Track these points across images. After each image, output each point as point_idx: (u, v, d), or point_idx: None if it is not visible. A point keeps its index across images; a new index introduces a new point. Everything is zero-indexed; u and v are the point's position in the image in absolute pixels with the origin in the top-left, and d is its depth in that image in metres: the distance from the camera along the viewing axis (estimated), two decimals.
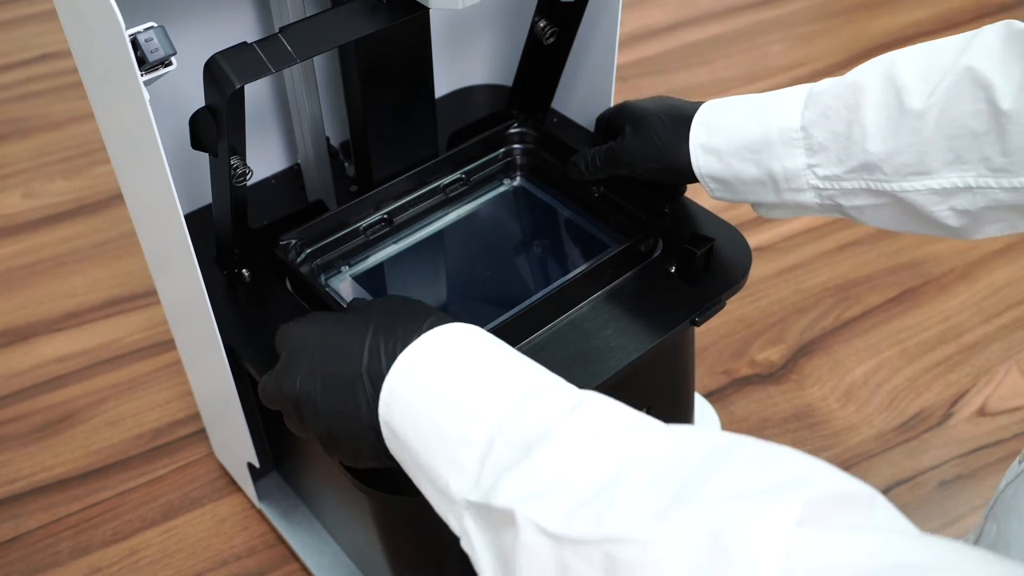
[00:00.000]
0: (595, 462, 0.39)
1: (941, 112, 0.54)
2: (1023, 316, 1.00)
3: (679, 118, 0.65)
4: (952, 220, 0.56)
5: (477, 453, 0.42)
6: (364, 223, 0.71)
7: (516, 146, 0.77)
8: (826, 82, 0.61)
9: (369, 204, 0.71)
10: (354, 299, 0.61)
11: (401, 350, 0.48)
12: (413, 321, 0.50)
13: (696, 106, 0.66)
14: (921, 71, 0.56)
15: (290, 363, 0.53)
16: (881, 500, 0.34)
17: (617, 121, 0.70)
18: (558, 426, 0.41)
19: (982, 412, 0.89)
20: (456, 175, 0.75)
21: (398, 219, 0.73)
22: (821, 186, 0.60)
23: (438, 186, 0.74)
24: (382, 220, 0.72)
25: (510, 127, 0.77)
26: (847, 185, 0.59)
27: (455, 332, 0.49)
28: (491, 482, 0.41)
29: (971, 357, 0.95)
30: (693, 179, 0.66)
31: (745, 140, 0.62)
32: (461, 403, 0.44)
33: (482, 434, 0.43)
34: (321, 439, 0.51)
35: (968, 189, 0.55)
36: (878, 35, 1.39)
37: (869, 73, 0.58)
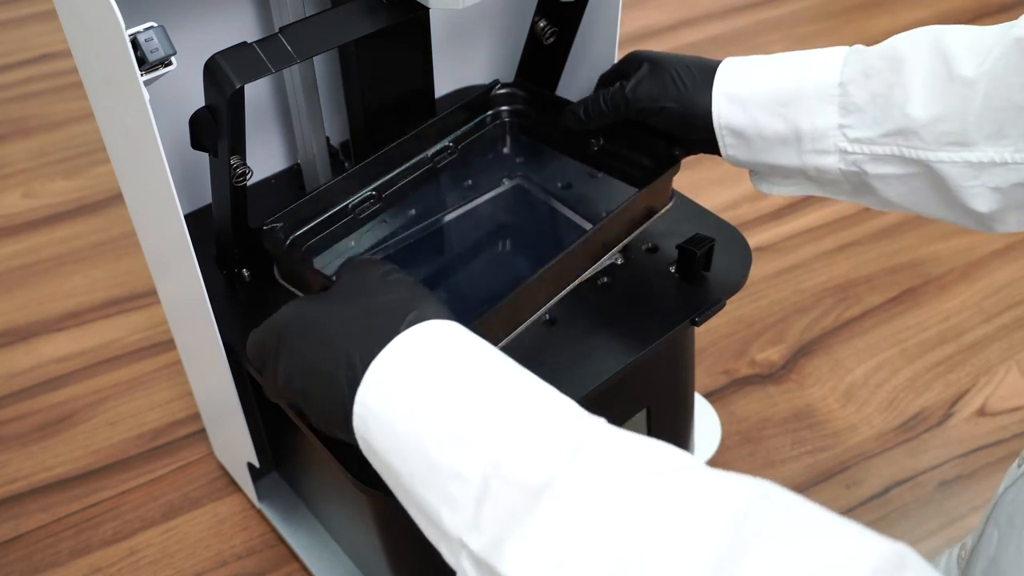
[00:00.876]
0: (610, 529, 0.35)
1: (991, 82, 0.52)
2: (1023, 316, 1.00)
3: (702, 66, 0.62)
4: (981, 200, 0.55)
5: (472, 492, 0.39)
6: (352, 201, 0.68)
7: (504, 108, 0.75)
8: (864, 47, 0.59)
9: (355, 181, 0.68)
10: (346, 262, 0.56)
11: (377, 352, 0.44)
12: (392, 315, 0.45)
13: (718, 61, 0.63)
14: (969, 42, 0.54)
15: (280, 352, 0.49)
16: (913, 558, 0.32)
17: (628, 67, 0.66)
18: (562, 474, 0.37)
19: (982, 412, 0.89)
20: (444, 143, 0.73)
21: (387, 194, 0.70)
22: (849, 149, 0.57)
23: (425, 156, 0.72)
24: (371, 198, 0.69)
25: (495, 88, 0.74)
26: (879, 150, 0.56)
27: (434, 333, 0.44)
28: (493, 534, 0.38)
29: (971, 357, 0.95)
30: (708, 133, 0.62)
31: (776, 91, 0.59)
32: (448, 427, 0.40)
33: (476, 470, 0.39)
34: (319, 432, 0.51)
35: (1004, 164, 0.53)
36: (878, 35, 1.38)
37: (913, 40, 0.56)
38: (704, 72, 0.62)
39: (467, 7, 0.57)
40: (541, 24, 0.72)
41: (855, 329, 0.98)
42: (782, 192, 0.64)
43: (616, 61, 0.75)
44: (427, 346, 0.44)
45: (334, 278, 0.53)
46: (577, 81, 0.79)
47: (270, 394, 0.52)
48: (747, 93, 0.60)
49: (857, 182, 0.59)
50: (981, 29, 0.55)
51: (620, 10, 0.72)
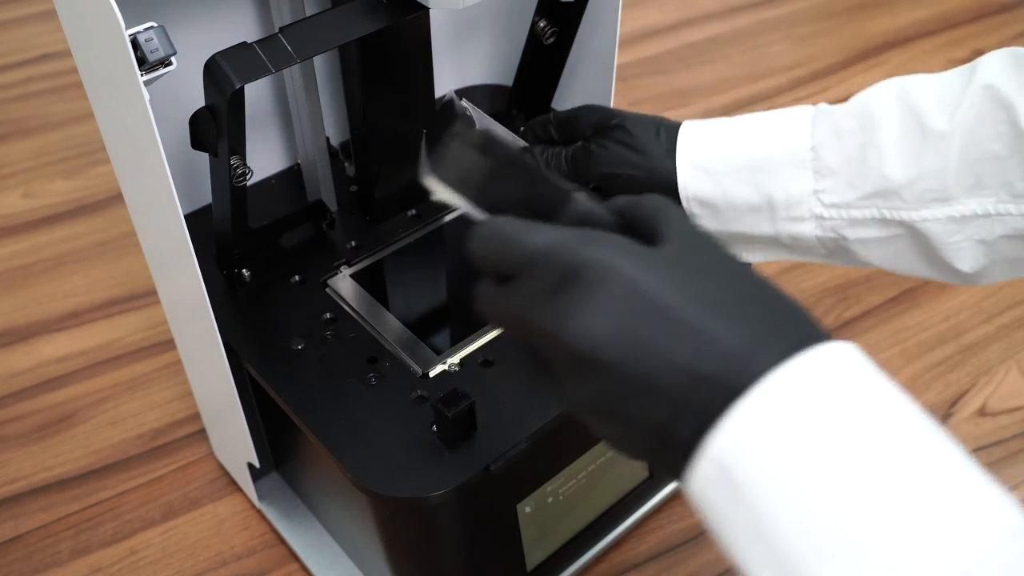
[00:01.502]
0: None
1: (965, 134, 0.51)
2: (1023, 316, 0.99)
3: (666, 127, 0.59)
4: (966, 256, 0.53)
5: None
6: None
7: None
8: (829, 106, 0.57)
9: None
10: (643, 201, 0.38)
11: (748, 385, 0.31)
12: (787, 321, 0.33)
13: (678, 123, 0.59)
14: (936, 93, 0.53)
15: (573, 301, 0.33)
16: None
17: (583, 122, 0.62)
18: None
19: (982, 412, 0.89)
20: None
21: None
22: (826, 215, 0.55)
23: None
24: None
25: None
26: (857, 214, 0.54)
27: (847, 360, 0.32)
28: None
29: (971, 357, 0.95)
30: (674, 199, 0.55)
31: (745, 159, 0.56)
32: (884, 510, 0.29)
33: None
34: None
35: (987, 216, 0.52)
36: (878, 35, 1.39)
37: (879, 97, 0.54)
38: (668, 135, 0.58)
39: (467, 7, 0.57)
40: (541, 24, 0.72)
41: (855, 329, 0.98)
42: (752, 259, 0.60)
43: (616, 60, 0.75)
44: (845, 377, 0.32)
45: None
46: (577, 81, 0.79)
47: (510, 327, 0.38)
48: (714, 162, 0.56)
49: (833, 247, 0.57)
50: (944, 76, 0.54)
51: (620, 10, 0.72)
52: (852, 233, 0.55)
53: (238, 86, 0.54)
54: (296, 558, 0.78)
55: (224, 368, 0.64)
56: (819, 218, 0.55)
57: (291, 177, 0.80)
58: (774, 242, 0.58)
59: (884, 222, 0.54)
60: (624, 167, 0.59)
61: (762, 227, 0.57)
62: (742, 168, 0.56)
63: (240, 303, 0.68)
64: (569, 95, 0.81)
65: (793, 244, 0.57)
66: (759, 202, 0.56)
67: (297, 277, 0.70)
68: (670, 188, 0.57)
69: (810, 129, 0.55)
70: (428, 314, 0.70)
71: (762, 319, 0.33)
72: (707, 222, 0.58)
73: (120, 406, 0.91)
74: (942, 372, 0.93)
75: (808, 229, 0.55)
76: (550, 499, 0.68)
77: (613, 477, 0.73)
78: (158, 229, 0.62)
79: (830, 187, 0.54)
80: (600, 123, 0.61)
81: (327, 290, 0.70)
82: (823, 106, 0.57)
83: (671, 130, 0.59)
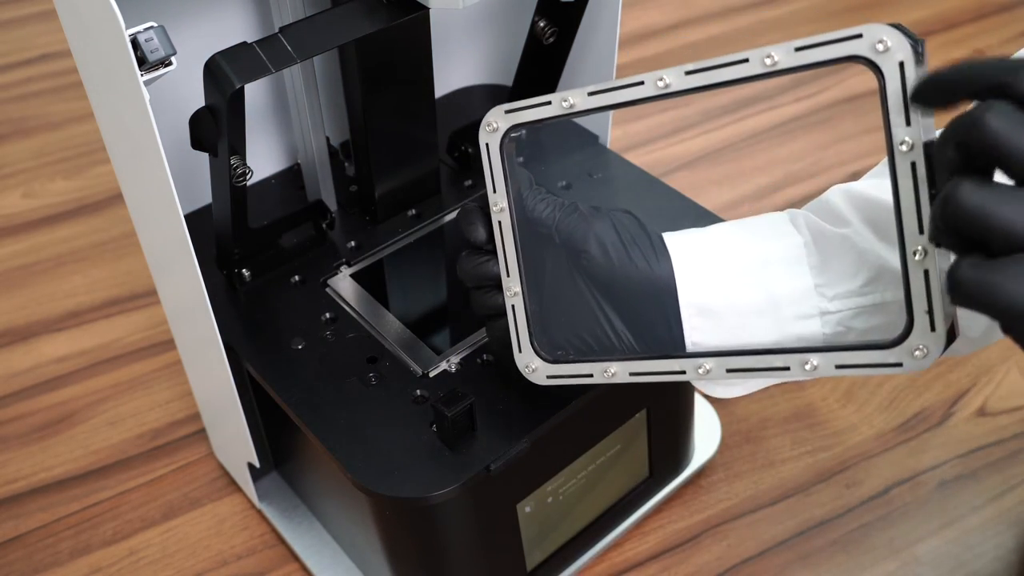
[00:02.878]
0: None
1: None
2: None
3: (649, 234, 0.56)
4: (972, 323, 0.52)
5: None
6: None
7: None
8: (795, 209, 0.57)
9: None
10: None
11: None
12: None
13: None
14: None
15: None
16: None
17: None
18: None
19: (982, 412, 0.89)
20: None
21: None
22: (832, 309, 0.53)
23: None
24: None
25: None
26: (864, 301, 0.52)
27: None
28: None
29: (971, 357, 0.95)
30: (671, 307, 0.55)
31: (743, 260, 0.54)
32: None
33: None
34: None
35: None
36: None
37: (832, 196, 0.54)
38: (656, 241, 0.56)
39: (467, 7, 0.58)
40: (541, 24, 0.72)
41: None
42: (739, 392, 0.60)
43: (616, 60, 0.75)
44: None
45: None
46: (577, 82, 0.79)
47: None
48: (713, 266, 0.54)
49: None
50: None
51: (620, 10, 0.72)
52: (860, 323, 0.52)
53: (238, 86, 0.54)
54: (296, 558, 0.78)
55: (224, 368, 0.64)
56: (825, 313, 0.53)
57: (291, 177, 0.80)
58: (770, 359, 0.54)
59: (889, 307, 0.52)
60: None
61: (767, 333, 0.54)
62: (742, 270, 0.54)
63: (240, 303, 0.68)
64: None
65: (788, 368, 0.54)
66: (763, 302, 0.53)
67: (297, 277, 0.70)
68: (670, 296, 0.55)
69: (793, 228, 0.55)
70: (428, 314, 0.70)
71: None
72: (707, 336, 0.55)
73: (120, 406, 0.91)
74: (942, 372, 0.93)
75: (815, 327, 0.53)
76: (550, 499, 0.68)
77: (613, 477, 0.73)
78: (158, 229, 0.62)
79: (831, 280, 0.53)
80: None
81: (327, 290, 0.70)
82: (791, 210, 0.57)
83: (656, 237, 0.56)
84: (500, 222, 0.54)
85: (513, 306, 0.55)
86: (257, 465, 0.73)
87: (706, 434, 0.84)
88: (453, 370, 0.63)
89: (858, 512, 0.81)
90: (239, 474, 0.80)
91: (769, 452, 0.86)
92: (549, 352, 0.55)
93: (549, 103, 0.51)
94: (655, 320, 0.54)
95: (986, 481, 0.83)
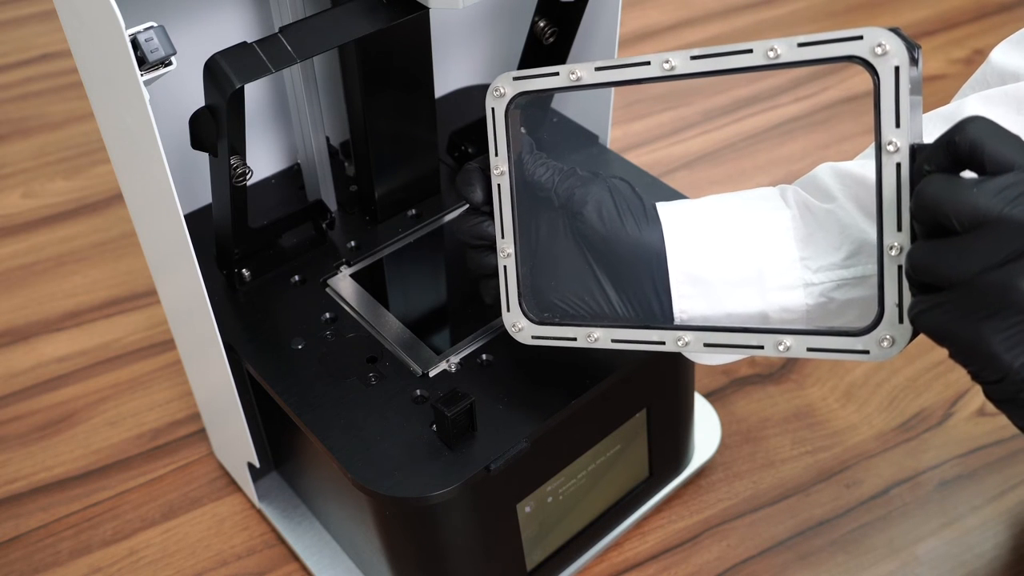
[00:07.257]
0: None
1: None
2: None
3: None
4: None
5: None
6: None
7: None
8: (786, 185, 0.58)
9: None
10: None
11: None
12: None
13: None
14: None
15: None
16: None
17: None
18: None
19: (982, 412, 0.89)
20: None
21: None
22: (815, 280, 0.54)
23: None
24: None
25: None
26: (846, 274, 0.53)
27: None
28: None
29: None
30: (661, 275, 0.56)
31: (732, 232, 0.55)
32: None
33: None
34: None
35: None
36: None
37: (819, 173, 0.56)
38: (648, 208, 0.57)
39: (467, 7, 0.58)
40: (541, 24, 0.72)
41: None
42: (719, 360, 0.61)
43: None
44: None
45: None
46: None
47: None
48: (704, 236, 0.56)
49: (819, 316, 0.55)
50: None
51: (620, 10, 0.72)
52: (841, 295, 0.54)
53: (238, 86, 0.54)
54: (296, 558, 0.78)
55: (224, 368, 0.64)
56: (809, 285, 0.54)
57: (291, 177, 0.80)
58: (763, 320, 0.56)
59: (869, 280, 0.53)
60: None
61: (752, 302, 0.55)
62: (731, 241, 0.55)
63: (240, 303, 0.68)
64: (569, 95, 0.81)
65: (780, 321, 0.56)
66: (750, 273, 0.55)
67: (297, 277, 0.70)
68: (659, 263, 0.56)
69: (782, 201, 0.56)
70: (428, 314, 0.70)
71: None
72: (694, 304, 0.56)
73: (120, 406, 0.91)
74: (942, 372, 0.93)
75: (798, 298, 0.55)
76: (550, 499, 0.68)
77: (613, 477, 0.73)
78: (158, 229, 0.62)
79: (815, 253, 0.54)
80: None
81: (327, 290, 0.70)
82: (782, 185, 0.58)
83: (649, 205, 0.57)
84: (499, 185, 0.56)
85: (505, 267, 0.57)
86: (257, 465, 0.73)
87: (706, 434, 0.84)
88: (453, 370, 0.63)
89: (858, 512, 0.81)
90: (239, 474, 0.80)
91: (769, 452, 0.86)
92: (536, 314, 0.58)
93: (557, 74, 0.52)
94: (645, 286, 0.56)
95: (986, 481, 0.83)
